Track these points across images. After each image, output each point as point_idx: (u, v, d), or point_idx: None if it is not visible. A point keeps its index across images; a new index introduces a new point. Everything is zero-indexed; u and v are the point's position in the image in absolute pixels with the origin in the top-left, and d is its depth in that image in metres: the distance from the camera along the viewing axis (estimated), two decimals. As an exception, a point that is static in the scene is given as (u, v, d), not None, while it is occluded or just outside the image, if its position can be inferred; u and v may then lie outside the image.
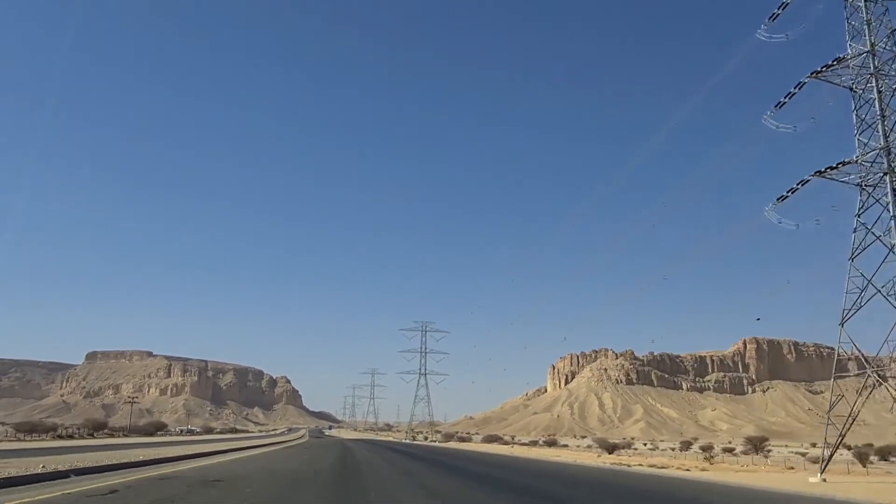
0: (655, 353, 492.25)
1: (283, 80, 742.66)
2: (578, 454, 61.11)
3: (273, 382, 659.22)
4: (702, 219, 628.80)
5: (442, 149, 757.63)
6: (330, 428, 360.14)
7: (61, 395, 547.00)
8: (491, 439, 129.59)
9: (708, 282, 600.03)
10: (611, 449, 63.31)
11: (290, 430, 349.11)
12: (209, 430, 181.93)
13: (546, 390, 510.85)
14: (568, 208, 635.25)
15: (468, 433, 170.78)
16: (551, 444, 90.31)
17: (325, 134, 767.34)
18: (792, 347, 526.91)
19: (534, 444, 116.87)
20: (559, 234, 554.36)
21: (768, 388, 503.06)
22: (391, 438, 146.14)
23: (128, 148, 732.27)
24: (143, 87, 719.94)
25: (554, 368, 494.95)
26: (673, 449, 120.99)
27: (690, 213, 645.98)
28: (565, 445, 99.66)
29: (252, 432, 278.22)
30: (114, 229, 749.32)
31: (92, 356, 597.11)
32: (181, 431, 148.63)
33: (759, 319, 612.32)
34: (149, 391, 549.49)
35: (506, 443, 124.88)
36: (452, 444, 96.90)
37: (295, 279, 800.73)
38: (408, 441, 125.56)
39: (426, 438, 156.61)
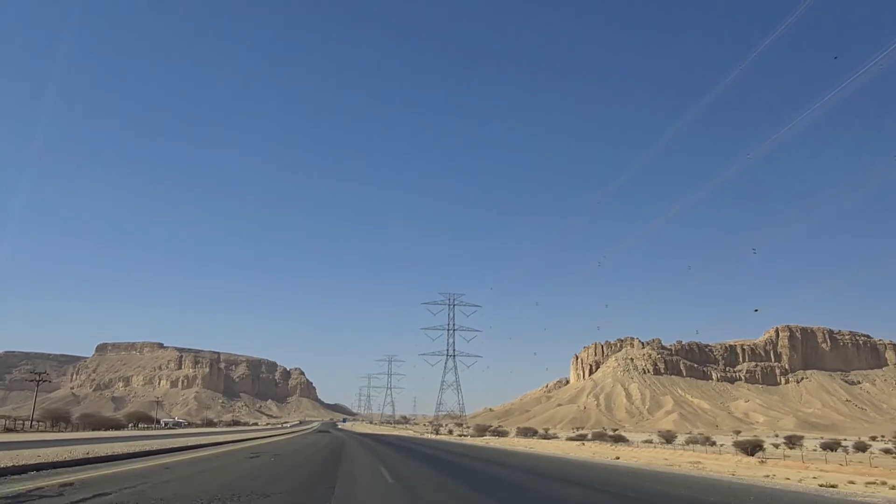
0: (684, 342, 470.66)
1: (288, 65, 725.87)
2: (709, 456, 41.99)
3: (287, 374, 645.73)
4: (730, 207, 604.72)
5: (462, 138, 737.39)
6: (344, 421, 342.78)
7: (71, 388, 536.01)
8: (526, 433, 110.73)
9: (736, 268, 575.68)
10: (750, 449, 43.85)
11: (301, 422, 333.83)
12: (209, 423, 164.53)
13: (568, 381, 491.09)
14: (590, 197, 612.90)
15: (500, 426, 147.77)
16: (618, 439, 72.09)
17: (333, 127, 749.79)
18: (826, 336, 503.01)
19: (581, 438, 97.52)
20: (581, 223, 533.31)
21: (802, 378, 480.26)
22: (410, 433, 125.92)
23: (136, 139, 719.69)
24: (154, 79, 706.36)
25: (577, 358, 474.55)
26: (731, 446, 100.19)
27: (718, 201, 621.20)
28: (622, 439, 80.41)
29: (258, 425, 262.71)
30: (124, 220, 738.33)
31: (102, 348, 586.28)
32: (165, 424, 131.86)
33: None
34: (159, 383, 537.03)
35: (547, 437, 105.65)
36: (489, 441, 76.30)
37: (308, 269, 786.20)
38: (430, 436, 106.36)
39: (451, 432, 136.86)
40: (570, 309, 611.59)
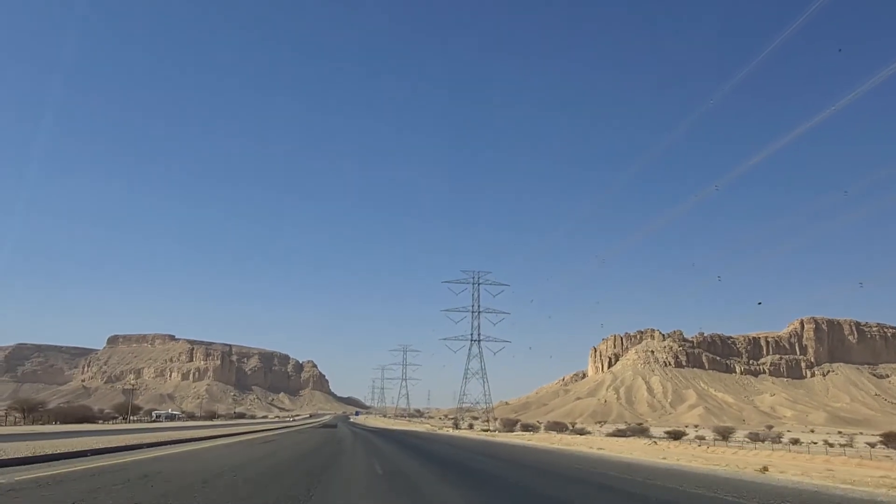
0: (706, 334, 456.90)
1: (300, 52, 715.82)
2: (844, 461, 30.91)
3: (299, 367, 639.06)
4: (753, 197, 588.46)
5: (479, 124, 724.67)
6: (357, 414, 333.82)
7: (82, 381, 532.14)
8: (558, 428, 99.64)
9: (760, 260, 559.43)
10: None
11: (311, 416, 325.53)
12: (212, 416, 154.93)
13: (585, 374, 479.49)
14: (602, 186, 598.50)
15: (533, 422, 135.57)
16: (677, 436, 61.19)
17: (345, 113, 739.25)
18: (853, 328, 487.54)
19: (620, 434, 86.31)
20: (596, 212, 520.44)
21: (829, 371, 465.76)
22: (424, 427, 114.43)
23: (149, 128, 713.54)
24: (166, 65, 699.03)
25: (595, 351, 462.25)
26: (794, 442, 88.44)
27: (742, 191, 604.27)
28: (679, 435, 68.60)
29: (268, 418, 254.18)
30: (136, 212, 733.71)
31: (113, 340, 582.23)
32: (157, 416, 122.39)
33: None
34: (170, 376, 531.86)
35: (580, 432, 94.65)
36: (525, 438, 64.28)
37: (321, 260, 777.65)
38: (449, 431, 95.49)
39: (471, 426, 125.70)
40: (586, 301, 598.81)
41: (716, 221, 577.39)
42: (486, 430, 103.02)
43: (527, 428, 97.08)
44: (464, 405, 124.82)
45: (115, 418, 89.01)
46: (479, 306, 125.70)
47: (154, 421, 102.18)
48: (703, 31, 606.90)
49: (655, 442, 43.36)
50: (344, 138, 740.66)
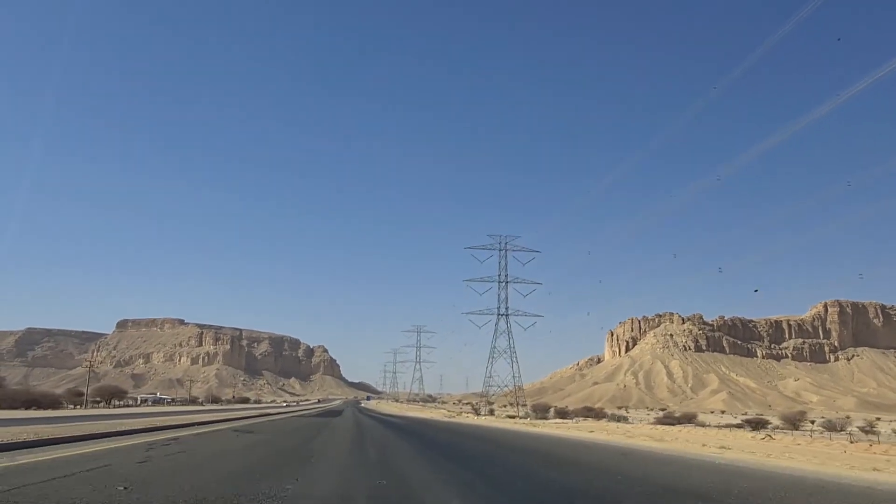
0: (726, 318, 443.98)
1: (310, 33, 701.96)
2: None
3: (310, 352, 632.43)
4: (773, 179, 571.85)
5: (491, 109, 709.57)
6: (368, 398, 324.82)
7: (91, 365, 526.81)
8: (591, 414, 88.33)
9: (781, 241, 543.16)
10: None
11: (319, 401, 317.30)
12: (215, 400, 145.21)
13: (600, 359, 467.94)
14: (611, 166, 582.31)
15: (564, 407, 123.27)
16: (758, 424, 50.41)
17: (353, 93, 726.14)
18: (879, 311, 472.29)
19: (668, 421, 75.09)
20: (611, 193, 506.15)
21: (853, 355, 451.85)
22: (442, 414, 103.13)
23: (159, 110, 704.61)
24: (181, 44, 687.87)
25: (612, 334, 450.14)
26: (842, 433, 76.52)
27: (759, 173, 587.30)
28: (763, 424, 57.38)
29: (275, 402, 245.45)
30: (146, 196, 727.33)
31: (123, 324, 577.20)
32: (144, 401, 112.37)
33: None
34: (180, 360, 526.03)
35: (617, 418, 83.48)
36: (566, 427, 51.98)
37: (331, 243, 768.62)
38: (467, 419, 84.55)
39: (492, 412, 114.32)
40: (603, 283, 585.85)
41: (732, 204, 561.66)
42: (513, 417, 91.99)
43: (562, 415, 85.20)
44: (489, 388, 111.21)
45: (98, 402, 79.44)
46: (507, 275, 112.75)
47: (139, 406, 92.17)
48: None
49: (770, 436, 32.00)
50: (349, 118, 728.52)
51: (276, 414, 74.19)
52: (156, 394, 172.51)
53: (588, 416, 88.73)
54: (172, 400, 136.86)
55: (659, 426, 60.85)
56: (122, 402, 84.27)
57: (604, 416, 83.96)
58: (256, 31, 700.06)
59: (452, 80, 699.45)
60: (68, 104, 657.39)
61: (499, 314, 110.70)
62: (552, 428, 47.58)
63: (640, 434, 35.21)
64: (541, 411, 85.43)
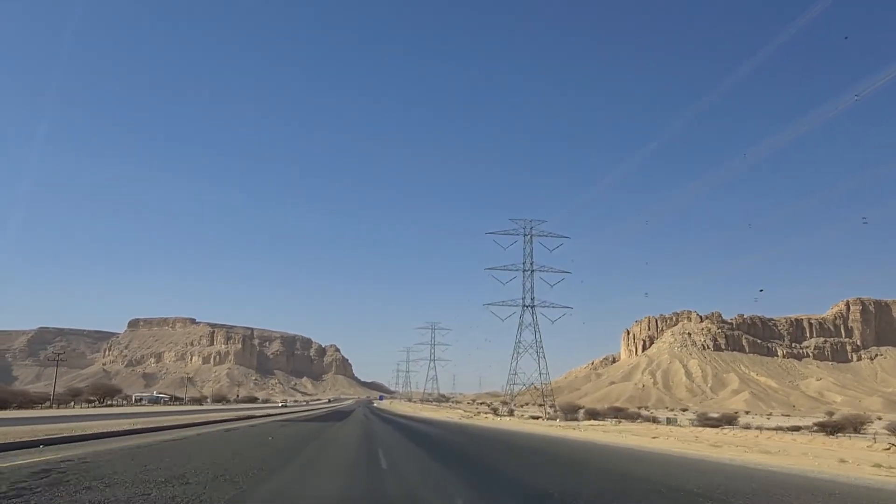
0: (745, 316, 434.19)
1: (321, 27, 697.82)
2: None
3: (322, 351, 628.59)
4: (791, 175, 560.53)
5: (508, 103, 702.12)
6: (381, 398, 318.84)
7: (103, 365, 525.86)
8: (622, 416, 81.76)
9: (801, 236, 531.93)
10: None
11: (330, 401, 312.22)
12: (220, 400, 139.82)
13: (615, 359, 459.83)
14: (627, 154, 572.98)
15: (593, 408, 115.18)
16: (833, 429, 44.43)
17: (361, 88, 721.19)
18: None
19: (712, 421, 68.38)
20: (625, 184, 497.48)
21: (876, 354, 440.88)
22: (459, 415, 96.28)
23: (166, 106, 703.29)
24: (189, 39, 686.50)
25: (629, 333, 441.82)
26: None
27: (779, 167, 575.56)
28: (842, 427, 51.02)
29: (286, 402, 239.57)
30: (156, 194, 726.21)
31: (134, 323, 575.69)
32: (139, 400, 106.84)
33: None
34: (191, 359, 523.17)
35: (649, 419, 77.00)
36: (598, 433, 44.30)
37: (343, 242, 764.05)
38: (485, 421, 78.12)
39: (512, 413, 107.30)
40: (617, 282, 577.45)
41: (752, 200, 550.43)
42: (537, 419, 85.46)
43: (593, 416, 78.12)
44: (514, 386, 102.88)
45: (93, 402, 74.22)
46: (532, 263, 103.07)
47: (130, 406, 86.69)
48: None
49: (894, 445, 25.45)
50: (357, 116, 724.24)
51: (262, 417, 66.17)
52: (152, 393, 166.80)
53: (618, 418, 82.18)
54: (172, 399, 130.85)
55: (710, 429, 54.30)
56: (113, 402, 79.51)
57: (637, 417, 77.22)
58: (270, 32, 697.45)
59: (459, 74, 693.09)
60: (76, 101, 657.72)
61: (524, 305, 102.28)
62: (597, 433, 40.99)
63: (725, 442, 28.63)
64: (569, 412, 78.40)
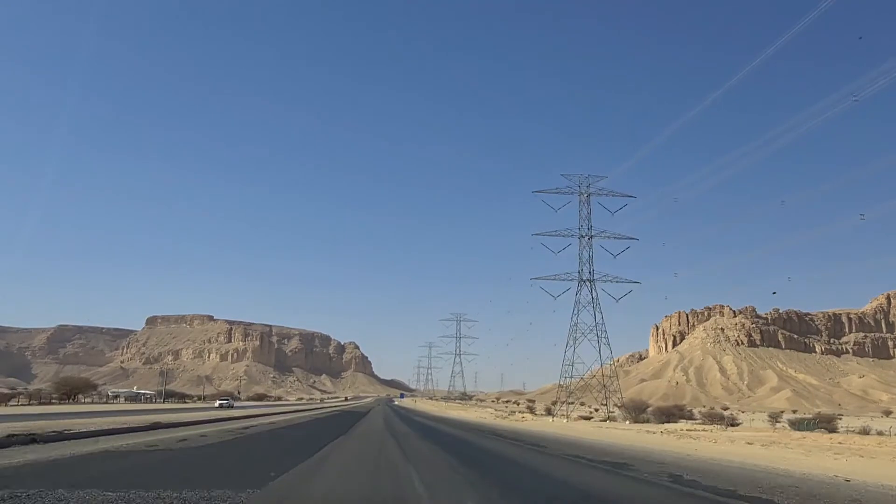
0: (781, 311, 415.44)
1: (326, 24, 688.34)
2: None
3: (341, 348, 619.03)
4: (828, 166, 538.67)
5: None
6: (402, 396, 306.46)
7: (121, 362, 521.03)
8: (666, 414, 68.29)
9: (839, 228, 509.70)
10: None
11: (346, 399, 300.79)
12: (227, 396, 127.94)
13: (642, 356, 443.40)
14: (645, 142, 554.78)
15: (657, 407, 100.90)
16: None
17: (372, 80, 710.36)
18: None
19: (803, 426, 54.85)
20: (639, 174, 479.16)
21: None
22: (490, 415, 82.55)
23: (182, 100, 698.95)
24: (204, 35, 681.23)
25: (658, 329, 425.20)
26: None
27: (814, 158, 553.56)
28: None
29: (303, 400, 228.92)
30: (175, 191, 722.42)
31: (152, 321, 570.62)
32: (115, 396, 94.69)
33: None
34: (209, 357, 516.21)
35: (720, 419, 63.59)
36: (661, 438, 32.43)
37: (361, 238, 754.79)
38: (528, 425, 65.04)
39: (549, 412, 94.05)
40: (644, 277, 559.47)
41: (788, 190, 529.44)
42: (588, 419, 72.35)
43: (669, 417, 64.41)
44: (567, 378, 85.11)
45: (67, 399, 63.06)
46: (589, 227, 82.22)
47: (100, 404, 74.95)
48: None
49: None
50: (374, 110, 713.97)
51: (277, 415, 54.89)
52: (132, 389, 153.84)
53: (685, 418, 69.06)
54: (168, 396, 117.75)
55: (825, 435, 41.00)
56: (88, 399, 68.80)
57: (721, 419, 63.89)
58: (293, 28, 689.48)
59: (467, 66, 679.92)
60: (95, 99, 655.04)
61: (580, 280, 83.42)
62: (737, 447, 27.69)
63: None
64: (636, 411, 64.93)
